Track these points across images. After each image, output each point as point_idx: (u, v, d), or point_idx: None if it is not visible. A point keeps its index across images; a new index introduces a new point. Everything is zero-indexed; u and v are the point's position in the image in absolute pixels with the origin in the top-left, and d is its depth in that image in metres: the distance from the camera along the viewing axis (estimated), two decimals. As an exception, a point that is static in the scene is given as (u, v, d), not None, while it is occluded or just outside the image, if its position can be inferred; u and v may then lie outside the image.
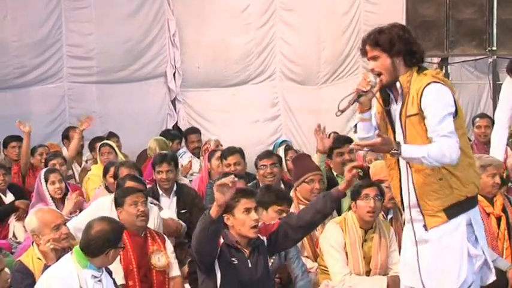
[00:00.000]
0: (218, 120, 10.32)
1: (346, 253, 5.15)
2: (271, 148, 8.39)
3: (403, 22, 9.82)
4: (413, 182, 3.89)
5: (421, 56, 3.89)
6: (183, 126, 9.97)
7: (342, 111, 3.93)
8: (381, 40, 3.91)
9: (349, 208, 5.30)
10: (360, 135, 4.06)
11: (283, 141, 8.71)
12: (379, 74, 3.92)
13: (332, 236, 5.19)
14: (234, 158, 6.72)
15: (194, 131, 9.40)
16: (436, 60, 10.55)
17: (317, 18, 10.43)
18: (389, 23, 4.00)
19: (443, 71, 10.30)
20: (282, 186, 6.34)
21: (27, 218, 4.83)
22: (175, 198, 6.38)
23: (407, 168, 3.91)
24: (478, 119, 8.39)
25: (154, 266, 5.04)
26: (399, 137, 3.91)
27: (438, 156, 3.69)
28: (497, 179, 5.45)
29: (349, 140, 6.35)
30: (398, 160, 3.94)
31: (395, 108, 3.97)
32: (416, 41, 3.92)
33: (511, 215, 5.51)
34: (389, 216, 5.58)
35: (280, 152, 7.39)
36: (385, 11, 10.36)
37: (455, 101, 3.82)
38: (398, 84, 3.92)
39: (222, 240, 4.51)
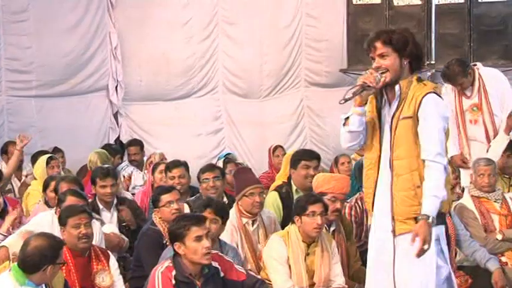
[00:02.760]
0: (161, 134, 10.25)
1: (290, 266, 5.15)
2: (214, 161, 8.37)
3: (344, 36, 9.98)
4: (391, 185, 3.95)
5: (423, 65, 4.01)
6: (126, 140, 9.88)
7: (346, 100, 4.01)
8: (394, 39, 4.00)
9: (292, 222, 5.30)
10: (351, 128, 4.11)
11: (228, 154, 8.71)
12: (384, 72, 3.99)
13: (275, 250, 5.20)
14: (178, 171, 6.69)
15: (135, 142, 9.32)
16: (376, 74, 10.69)
17: (259, 32, 10.47)
18: (400, 28, 4.08)
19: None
20: (225, 199, 6.33)
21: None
22: (116, 212, 6.31)
23: (389, 171, 3.96)
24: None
25: (99, 286, 4.96)
26: (386, 137, 3.99)
27: (439, 190, 3.88)
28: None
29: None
30: (379, 161, 3.99)
31: (386, 110, 4.06)
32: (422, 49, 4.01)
33: (450, 226, 5.60)
34: (331, 228, 5.59)
35: (220, 165, 7.38)
36: (326, 24, 10.48)
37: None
38: (397, 86, 4.00)
39: (173, 273, 4.45)
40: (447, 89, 7.04)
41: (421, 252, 3.84)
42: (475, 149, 6.92)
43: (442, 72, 7.24)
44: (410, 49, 3.99)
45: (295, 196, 5.90)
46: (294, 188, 6.12)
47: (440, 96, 3.96)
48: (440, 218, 3.96)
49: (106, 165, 7.16)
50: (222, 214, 5.12)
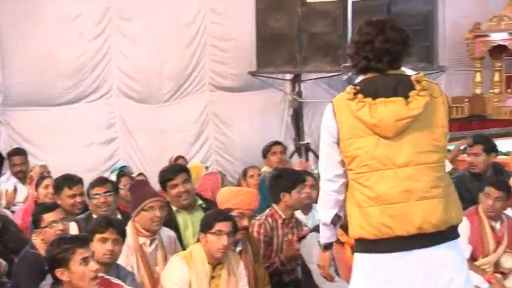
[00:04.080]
0: (46, 144, 10.01)
1: (192, 291, 5.10)
2: (107, 175, 8.23)
3: (253, 35, 10.00)
4: None
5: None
6: (5, 151, 9.61)
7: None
8: None
9: (198, 240, 5.26)
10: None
11: (123, 167, 8.58)
12: None
13: (176, 272, 5.14)
14: (78, 189, 6.48)
15: (20, 151, 9.09)
16: (288, 76, 10.77)
17: (158, 29, 10.38)
18: None
19: (297, 88, 10.55)
20: (119, 216, 6.21)
21: None
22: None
23: None
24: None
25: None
26: None
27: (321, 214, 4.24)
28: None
29: (181, 169, 6.30)
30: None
31: None
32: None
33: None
34: (238, 248, 5.57)
35: (113, 178, 7.26)
36: (233, 22, 10.50)
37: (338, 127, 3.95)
38: None
39: None
40: None
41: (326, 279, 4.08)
42: None
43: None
44: None
45: None
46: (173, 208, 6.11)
47: (334, 103, 4.05)
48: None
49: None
50: (124, 233, 5.08)
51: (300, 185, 6.16)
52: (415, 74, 3.88)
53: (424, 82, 3.83)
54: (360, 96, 3.88)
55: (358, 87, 3.91)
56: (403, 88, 3.82)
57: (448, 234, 3.84)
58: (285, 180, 6.17)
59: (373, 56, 3.91)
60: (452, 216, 3.83)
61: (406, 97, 3.79)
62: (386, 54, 3.90)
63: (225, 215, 5.29)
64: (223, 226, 5.16)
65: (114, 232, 4.97)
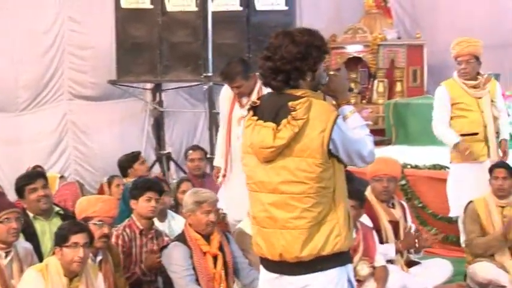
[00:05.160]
0: None
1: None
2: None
3: (113, 43, 9.88)
4: None
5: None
6: None
7: None
8: None
9: (53, 252, 5.13)
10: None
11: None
12: None
13: (31, 285, 4.97)
14: None
15: None
16: (149, 86, 10.70)
17: (13, 37, 10.07)
18: None
19: (157, 98, 10.50)
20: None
21: None
22: None
23: None
24: (190, 151, 8.56)
25: None
26: None
27: None
28: (212, 217, 5.62)
29: (40, 175, 6.17)
30: None
31: None
32: None
33: (228, 254, 5.68)
34: (98, 258, 5.47)
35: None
36: (93, 30, 10.34)
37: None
38: None
39: None
40: (227, 90, 7.13)
41: None
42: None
43: (221, 70, 7.22)
44: None
45: None
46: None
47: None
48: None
49: None
50: None
51: (147, 192, 6.07)
52: (300, 99, 3.68)
53: (299, 111, 3.65)
54: (251, 113, 3.82)
55: (257, 102, 3.84)
56: (284, 112, 3.67)
57: (314, 265, 3.74)
58: (134, 188, 6.15)
59: (269, 73, 3.77)
60: (318, 248, 3.70)
61: (279, 124, 3.68)
62: (279, 72, 3.74)
63: (79, 227, 5.16)
64: (78, 238, 5.03)
65: None
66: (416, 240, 6.52)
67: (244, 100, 6.97)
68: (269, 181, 3.75)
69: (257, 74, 6.91)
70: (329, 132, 3.66)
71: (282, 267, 3.79)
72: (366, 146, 3.78)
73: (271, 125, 3.69)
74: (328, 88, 3.88)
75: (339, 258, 3.78)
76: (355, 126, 3.80)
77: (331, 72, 3.92)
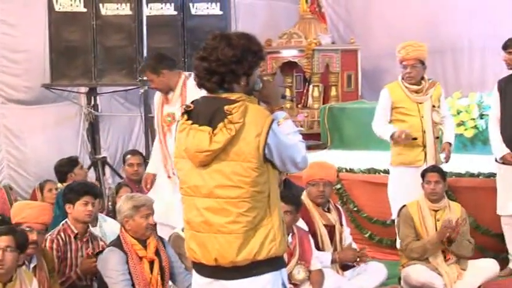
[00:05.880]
0: None
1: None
2: None
3: (46, 47, 9.75)
4: None
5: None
6: None
7: None
8: None
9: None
10: None
11: None
12: None
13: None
14: None
15: None
16: (83, 89, 10.58)
17: None
18: None
19: (92, 101, 10.38)
20: None
21: None
22: None
23: None
24: (129, 156, 8.50)
25: None
26: None
27: None
28: (152, 220, 5.60)
29: None
30: None
31: None
32: None
33: (164, 259, 5.65)
34: (32, 265, 5.41)
35: None
36: (25, 34, 10.15)
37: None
38: None
39: None
40: (158, 93, 7.09)
41: None
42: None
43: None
44: None
45: None
46: None
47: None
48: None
49: None
50: None
51: (84, 196, 6.02)
52: (235, 103, 3.67)
53: (235, 114, 3.64)
54: (185, 117, 3.78)
55: (191, 106, 3.80)
56: (220, 116, 3.66)
57: (250, 270, 3.73)
58: (69, 192, 6.08)
59: (203, 74, 3.75)
60: (254, 252, 3.70)
61: (215, 128, 3.67)
62: (214, 73, 3.73)
63: (4, 230, 5.10)
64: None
65: None
66: (358, 259, 6.57)
67: (170, 95, 6.91)
68: (204, 185, 3.74)
69: (185, 73, 6.99)
70: (265, 137, 3.67)
71: (216, 272, 3.79)
72: (300, 152, 3.80)
73: (207, 128, 3.68)
74: (262, 94, 3.89)
75: (274, 263, 3.79)
76: (288, 132, 3.81)
77: (265, 78, 3.94)
